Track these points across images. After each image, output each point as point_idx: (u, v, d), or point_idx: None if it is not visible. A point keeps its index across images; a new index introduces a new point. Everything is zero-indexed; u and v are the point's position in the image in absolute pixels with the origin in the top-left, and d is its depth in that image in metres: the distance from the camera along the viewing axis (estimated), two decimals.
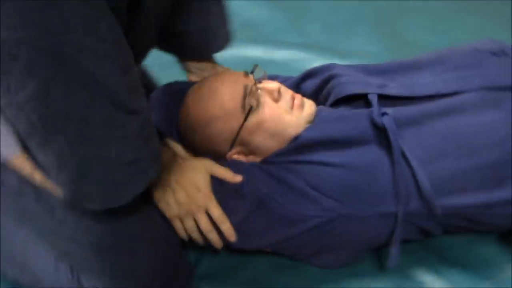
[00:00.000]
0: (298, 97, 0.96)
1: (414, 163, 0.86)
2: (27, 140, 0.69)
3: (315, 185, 0.88)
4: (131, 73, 0.69)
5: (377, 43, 1.57)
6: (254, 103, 0.91)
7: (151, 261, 0.86)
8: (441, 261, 0.99)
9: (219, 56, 1.12)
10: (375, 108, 0.90)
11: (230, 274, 0.98)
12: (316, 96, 1.04)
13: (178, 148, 1.00)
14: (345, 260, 0.97)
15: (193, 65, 1.11)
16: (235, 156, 0.95)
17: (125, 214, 0.83)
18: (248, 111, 0.91)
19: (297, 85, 1.08)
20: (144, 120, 0.73)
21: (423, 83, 0.96)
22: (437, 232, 0.95)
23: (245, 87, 0.92)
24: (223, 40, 1.08)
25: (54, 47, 0.60)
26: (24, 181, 0.81)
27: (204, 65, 1.11)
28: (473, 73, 0.95)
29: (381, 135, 0.88)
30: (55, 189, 0.78)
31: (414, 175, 0.86)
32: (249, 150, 0.95)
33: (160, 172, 0.79)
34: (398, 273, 0.97)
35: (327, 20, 1.68)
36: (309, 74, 1.08)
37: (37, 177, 0.79)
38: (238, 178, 0.89)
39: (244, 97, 0.91)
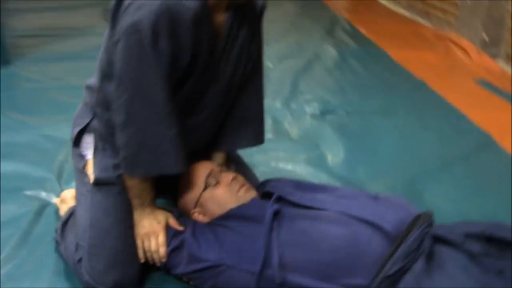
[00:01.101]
0: (245, 186, 1.46)
1: (271, 243, 1.28)
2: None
3: (220, 241, 1.36)
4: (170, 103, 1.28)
5: None
6: (213, 182, 1.45)
7: (114, 250, 1.40)
8: None
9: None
10: (270, 203, 1.36)
11: None
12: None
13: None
14: None
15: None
16: (196, 214, 1.48)
17: (114, 214, 1.42)
18: (206, 186, 1.45)
19: (257, 187, 1.57)
20: (174, 136, 1.30)
21: (313, 199, 1.38)
22: None
23: (211, 171, 1.47)
24: (252, 139, 1.61)
25: None
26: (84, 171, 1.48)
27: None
28: (346, 202, 1.34)
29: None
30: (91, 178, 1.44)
31: (271, 243, 1.28)
32: (203, 211, 1.47)
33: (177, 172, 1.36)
34: None
35: (369, 165, 2.10)
36: (265, 181, 1.57)
37: (90, 171, 1.46)
38: (179, 228, 1.43)
39: (208, 176, 1.46)
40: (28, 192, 1.88)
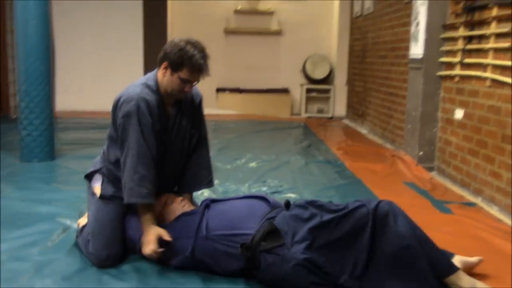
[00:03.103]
0: (188, 203, 2.46)
1: (202, 220, 2.23)
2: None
3: (174, 226, 2.33)
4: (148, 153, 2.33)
5: None
6: (169, 202, 2.44)
7: (107, 236, 2.37)
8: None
9: None
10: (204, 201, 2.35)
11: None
12: None
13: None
14: (175, 262, 2.30)
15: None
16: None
17: (108, 214, 2.40)
18: (165, 204, 2.44)
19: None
20: (138, 179, 2.29)
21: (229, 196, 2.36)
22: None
23: (167, 196, 2.46)
24: (205, 184, 2.64)
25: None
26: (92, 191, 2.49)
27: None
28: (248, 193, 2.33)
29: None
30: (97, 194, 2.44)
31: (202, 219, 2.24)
32: (164, 219, 2.43)
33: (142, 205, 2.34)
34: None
35: None
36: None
37: (97, 191, 2.46)
38: (168, 239, 2.34)
39: (166, 199, 2.45)
40: (58, 219, 2.89)
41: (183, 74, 2.34)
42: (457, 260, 2.23)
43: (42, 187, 3.61)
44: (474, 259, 2.31)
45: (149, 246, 2.28)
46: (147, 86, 2.37)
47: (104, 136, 5.41)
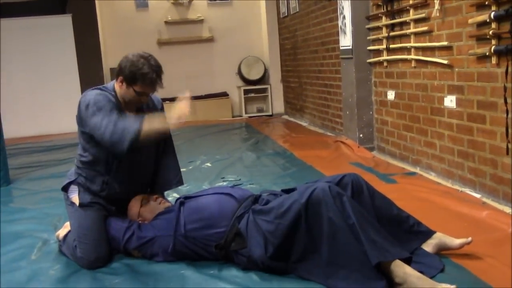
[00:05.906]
0: (163, 201, 2.65)
1: (179, 217, 2.44)
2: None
3: (152, 225, 2.55)
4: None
5: None
6: (145, 202, 2.62)
7: (93, 238, 2.53)
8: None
9: None
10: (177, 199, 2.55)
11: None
12: None
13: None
14: (159, 259, 2.49)
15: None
16: (140, 220, 2.62)
17: (90, 219, 2.57)
18: (141, 205, 2.63)
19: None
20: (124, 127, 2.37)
21: (201, 191, 2.58)
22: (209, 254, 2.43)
23: (143, 197, 2.65)
24: (175, 183, 2.84)
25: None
26: (72, 202, 2.65)
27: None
28: (217, 189, 2.61)
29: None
30: (77, 203, 2.60)
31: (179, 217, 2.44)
32: (143, 218, 2.62)
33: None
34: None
35: None
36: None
37: (76, 200, 2.61)
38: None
39: (142, 200, 2.63)
40: (35, 234, 3.01)
41: (138, 87, 2.51)
42: (436, 238, 2.35)
43: (8, 209, 3.67)
44: (456, 242, 2.33)
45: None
46: (104, 89, 2.55)
47: (51, 157, 5.60)
